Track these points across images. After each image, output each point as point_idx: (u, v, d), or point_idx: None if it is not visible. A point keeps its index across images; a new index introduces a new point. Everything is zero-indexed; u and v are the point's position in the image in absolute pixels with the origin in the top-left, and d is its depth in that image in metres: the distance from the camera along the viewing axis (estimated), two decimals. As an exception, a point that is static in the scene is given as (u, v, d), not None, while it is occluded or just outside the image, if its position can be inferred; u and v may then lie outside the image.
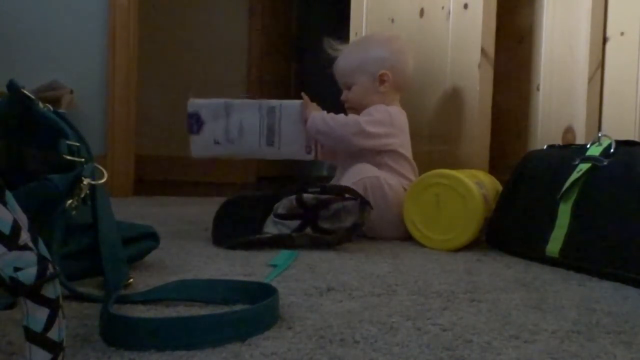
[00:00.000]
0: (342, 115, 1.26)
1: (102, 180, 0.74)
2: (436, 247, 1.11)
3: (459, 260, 1.00)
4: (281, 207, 1.11)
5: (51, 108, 0.75)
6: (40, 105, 0.74)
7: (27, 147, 0.75)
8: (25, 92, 0.73)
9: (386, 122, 1.27)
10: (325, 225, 1.08)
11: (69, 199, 0.68)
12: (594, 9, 1.35)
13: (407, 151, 1.32)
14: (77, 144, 0.72)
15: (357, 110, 1.31)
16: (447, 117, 1.57)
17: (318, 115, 1.22)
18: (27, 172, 0.73)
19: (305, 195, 1.10)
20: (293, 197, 1.10)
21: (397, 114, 1.31)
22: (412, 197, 1.16)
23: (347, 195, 1.09)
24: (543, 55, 1.51)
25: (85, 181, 0.69)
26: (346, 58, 1.36)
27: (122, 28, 2.24)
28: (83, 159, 0.71)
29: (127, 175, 2.29)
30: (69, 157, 0.70)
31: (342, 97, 1.36)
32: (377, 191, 1.19)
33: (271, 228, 1.11)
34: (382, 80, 1.31)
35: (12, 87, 0.73)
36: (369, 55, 1.34)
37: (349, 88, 1.34)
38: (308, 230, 1.09)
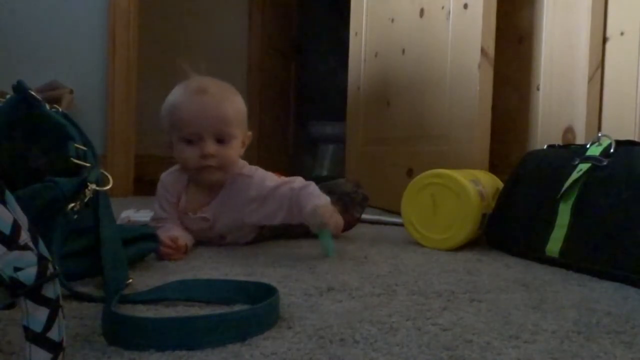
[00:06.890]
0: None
1: (107, 187, 0.74)
2: (436, 247, 1.11)
3: (459, 260, 1.00)
4: None
5: (60, 109, 0.75)
6: (47, 107, 0.74)
7: (33, 148, 0.75)
8: (32, 93, 0.73)
9: None
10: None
11: (71, 203, 0.68)
12: (594, 9, 1.35)
13: None
14: (84, 148, 0.72)
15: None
16: (447, 117, 1.57)
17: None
18: (31, 173, 0.73)
19: None
20: None
21: None
22: (408, 199, 1.16)
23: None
24: (543, 55, 1.51)
25: (91, 187, 0.69)
26: None
27: (122, 28, 2.24)
28: (89, 165, 0.71)
29: (127, 175, 2.29)
30: (76, 161, 0.70)
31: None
32: None
33: None
34: None
35: (20, 88, 0.73)
36: None
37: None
38: None
